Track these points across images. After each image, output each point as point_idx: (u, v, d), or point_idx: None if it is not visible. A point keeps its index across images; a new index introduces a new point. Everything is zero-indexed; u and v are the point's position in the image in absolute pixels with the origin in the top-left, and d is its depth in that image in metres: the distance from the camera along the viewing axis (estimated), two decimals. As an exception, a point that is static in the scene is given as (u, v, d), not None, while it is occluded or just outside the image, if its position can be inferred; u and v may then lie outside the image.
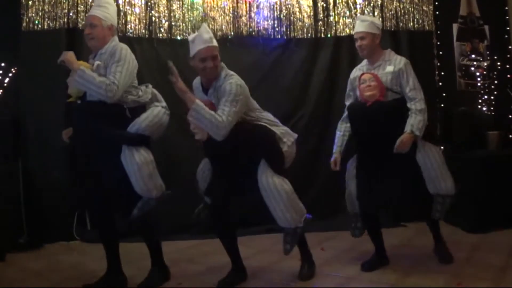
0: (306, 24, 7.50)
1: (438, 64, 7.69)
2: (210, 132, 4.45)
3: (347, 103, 5.47)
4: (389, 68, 5.27)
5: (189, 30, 7.20)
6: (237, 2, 7.36)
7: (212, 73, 4.70)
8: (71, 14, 6.77)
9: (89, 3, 6.77)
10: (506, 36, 7.97)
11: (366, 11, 7.54)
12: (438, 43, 7.75)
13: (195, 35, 4.76)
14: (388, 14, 7.56)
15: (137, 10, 7.07)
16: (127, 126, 4.64)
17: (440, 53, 7.72)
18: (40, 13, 6.72)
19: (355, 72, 5.48)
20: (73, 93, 4.61)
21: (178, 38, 7.21)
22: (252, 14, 7.34)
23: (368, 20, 5.37)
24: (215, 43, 4.74)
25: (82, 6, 6.78)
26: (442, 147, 5.70)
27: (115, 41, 4.84)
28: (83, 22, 6.59)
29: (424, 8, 7.65)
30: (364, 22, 5.34)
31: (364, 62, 5.47)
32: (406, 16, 7.59)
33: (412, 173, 5.08)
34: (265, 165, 4.60)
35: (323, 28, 7.56)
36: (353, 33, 5.56)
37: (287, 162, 4.83)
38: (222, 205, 4.85)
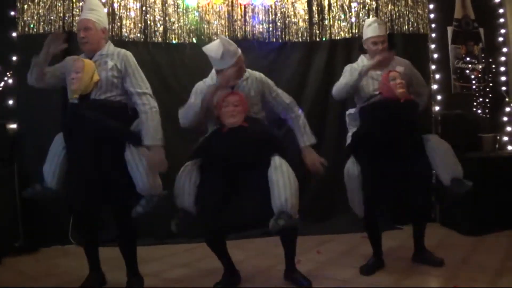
0: (301, 28, 7.51)
1: (433, 67, 7.71)
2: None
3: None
4: (401, 69, 5.34)
5: (184, 34, 7.21)
6: (232, 6, 7.37)
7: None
8: (66, 18, 6.78)
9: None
10: (501, 39, 7.99)
11: (361, 15, 7.57)
12: (433, 46, 7.77)
13: (223, 51, 4.77)
14: (383, 17, 7.56)
15: (132, 14, 7.08)
16: (129, 125, 4.70)
17: (435, 56, 7.74)
18: (36, 17, 6.73)
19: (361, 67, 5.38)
20: (80, 90, 4.59)
21: (174, 42, 7.22)
22: (247, 18, 7.35)
23: (383, 23, 5.43)
24: (239, 52, 4.85)
25: (77, 10, 6.78)
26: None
27: (111, 45, 4.92)
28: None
29: (419, 11, 7.67)
30: (382, 26, 5.40)
31: (365, 61, 5.45)
32: (401, 19, 7.60)
33: (424, 171, 5.13)
34: (279, 156, 4.66)
35: (318, 32, 7.58)
36: (363, 37, 5.50)
37: None
38: (216, 211, 4.77)
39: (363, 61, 5.46)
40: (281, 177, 4.46)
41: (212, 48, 4.87)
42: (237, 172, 4.61)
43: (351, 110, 5.53)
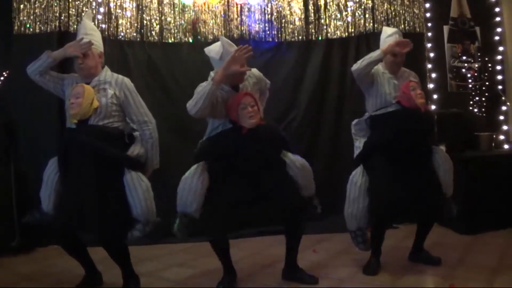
0: (297, 27, 7.52)
1: (429, 66, 7.71)
2: None
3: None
4: (415, 80, 5.41)
5: (180, 33, 7.21)
6: (228, 5, 7.37)
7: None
8: (62, 17, 6.76)
9: (81, 7, 6.78)
10: (497, 38, 7.99)
11: (357, 14, 7.57)
12: (429, 45, 7.77)
13: (222, 52, 4.80)
14: (379, 17, 7.58)
15: (128, 13, 7.07)
16: (125, 151, 4.72)
17: (431, 55, 7.74)
18: (32, 17, 6.72)
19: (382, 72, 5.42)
20: (79, 115, 4.59)
21: (170, 41, 7.22)
22: (243, 17, 7.35)
23: (402, 35, 5.43)
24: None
25: (73, 10, 6.77)
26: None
27: (109, 71, 4.94)
28: (75, 26, 6.60)
29: (415, 10, 7.67)
30: (401, 38, 5.37)
31: (379, 69, 5.42)
32: (397, 18, 7.60)
33: (430, 177, 5.16)
34: (288, 153, 4.87)
35: (314, 31, 7.59)
36: (382, 45, 5.42)
37: None
38: (233, 211, 4.72)
39: (379, 68, 5.41)
40: (304, 172, 4.85)
41: (213, 49, 4.90)
42: (258, 171, 4.67)
43: (357, 120, 5.52)
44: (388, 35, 5.41)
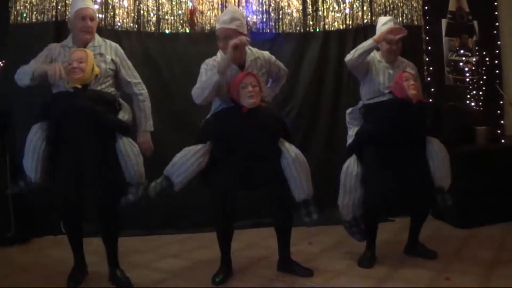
0: (295, 19, 7.48)
1: (427, 59, 7.70)
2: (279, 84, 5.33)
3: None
4: (412, 71, 5.39)
5: (177, 23, 7.18)
6: (226, -4, 7.34)
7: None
8: (59, 7, 6.73)
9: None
10: (495, 32, 7.98)
11: (355, 6, 7.55)
12: (427, 38, 7.75)
13: (230, 14, 4.90)
14: (377, 9, 7.56)
15: (125, 3, 7.04)
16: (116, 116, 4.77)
17: (429, 48, 7.72)
18: (28, 6, 6.69)
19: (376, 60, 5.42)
20: (82, 80, 4.56)
21: (167, 31, 7.19)
22: (241, 8, 7.31)
23: (398, 23, 5.42)
24: (233, 25, 4.83)
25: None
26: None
27: (97, 35, 4.98)
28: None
29: (413, 3, 7.65)
30: (397, 25, 5.33)
31: (376, 57, 5.41)
32: (395, 11, 7.58)
33: (422, 168, 5.15)
34: (285, 141, 4.84)
35: (311, 23, 7.55)
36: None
37: None
38: (232, 195, 4.85)
39: (375, 56, 5.40)
40: (299, 168, 4.76)
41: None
42: (254, 153, 4.68)
43: (351, 109, 5.52)
44: (383, 23, 5.40)
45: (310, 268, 5.05)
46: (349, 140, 5.40)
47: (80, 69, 4.54)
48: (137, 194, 4.73)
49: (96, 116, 4.54)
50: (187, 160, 4.66)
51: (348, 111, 5.54)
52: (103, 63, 4.76)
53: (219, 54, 4.91)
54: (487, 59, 7.83)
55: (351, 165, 5.22)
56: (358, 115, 5.41)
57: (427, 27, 7.76)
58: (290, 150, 4.76)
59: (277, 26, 7.46)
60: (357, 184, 5.16)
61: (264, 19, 7.39)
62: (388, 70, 5.30)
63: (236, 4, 7.33)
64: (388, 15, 7.50)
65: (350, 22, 7.58)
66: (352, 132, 5.41)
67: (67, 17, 4.85)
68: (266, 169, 4.72)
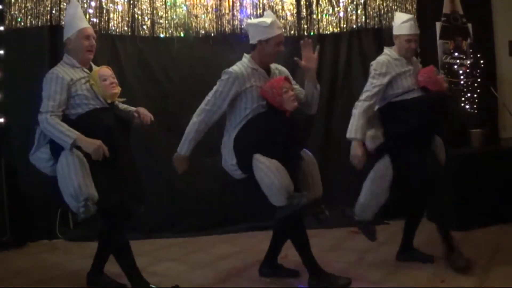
0: (289, 22, 7.50)
1: (421, 62, 7.70)
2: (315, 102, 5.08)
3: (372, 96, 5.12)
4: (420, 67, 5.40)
5: (172, 28, 7.19)
6: (220, 0, 7.35)
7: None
8: (53, 11, 6.74)
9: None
10: (489, 34, 7.99)
11: (349, 9, 7.56)
12: (421, 41, 7.75)
13: (273, 20, 4.82)
14: (371, 12, 7.58)
15: (119, 7, 7.05)
16: None
17: (423, 51, 7.72)
18: (23, 11, 6.69)
19: (396, 66, 5.24)
20: (116, 96, 4.71)
21: (161, 35, 7.20)
22: (235, 12, 7.33)
23: (416, 21, 5.40)
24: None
25: (64, 4, 6.71)
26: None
27: None
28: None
29: (407, 6, 7.65)
30: (416, 24, 5.33)
31: (393, 55, 5.31)
32: (390, 14, 7.58)
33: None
34: None
35: (306, 26, 7.57)
36: (396, 31, 5.35)
37: None
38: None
39: (390, 52, 5.32)
40: (316, 170, 4.90)
41: (262, 18, 4.97)
42: (291, 155, 4.72)
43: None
44: (403, 21, 5.30)
45: (295, 269, 5.11)
46: (374, 141, 5.23)
47: (116, 84, 4.66)
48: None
49: (129, 127, 4.73)
50: (274, 179, 4.42)
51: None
52: None
53: (247, 61, 4.81)
54: (481, 61, 7.83)
55: (385, 168, 5.12)
56: (378, 114, 5.30)
57: (421, 30, 7.75)
58: (307, 151, 4.86)
59: (271, 30, 7.45)
60: (388, 188, 5.10)
61: (259, 23, 7.39)
62: (408, 66, 5.26)
63: (230, 8, 7.34)
64: (382, 18, 7.55)
65: (345, 25, 7.60)
66: (376, 133, 5.24)
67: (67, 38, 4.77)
68: (299, 169, 4.77)
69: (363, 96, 5.08)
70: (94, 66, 4.81)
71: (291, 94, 4.63)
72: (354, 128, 4.98)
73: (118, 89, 4.66)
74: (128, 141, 4.68)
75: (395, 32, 5.34)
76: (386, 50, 5.36)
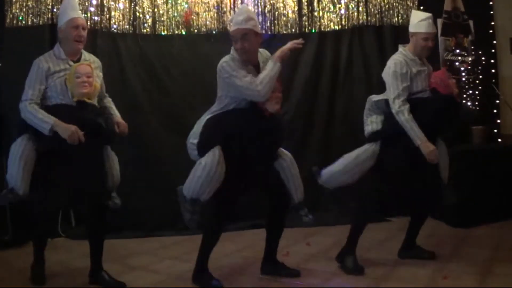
0: (291, 19, 7.49)
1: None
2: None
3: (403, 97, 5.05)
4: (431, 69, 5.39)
5: (173, 25, 7.18)
6: (222, -3, 7.34)
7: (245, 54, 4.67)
8: (55, 9, 6.70)
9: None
10: (491, 31, 7.97)
11: (350, 6, 7.55)
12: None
13: (232, 16, 4.87)
14: (372, 9, 7.56)
15: (121, 5, 7.03)
16: None
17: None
18: (24, 9, 6.67)
19: (412, 66, 5.20)
20: (88, 95, 4.65)
21: (163, 33, 7.18)
22: (237, 9, 7.31)
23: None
24: (249, 25, 4.64)
25: (65, 2, 6.72)
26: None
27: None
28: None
29: (409, 3, 7.64)
30: (433, 23, 5.31)
31: (408, 55, 5.26)
32: (391, 11, 7.58)
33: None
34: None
35: (307, 23, 7.56)
36: (412, 29, 5.32)
37: None
38: (235, 202, 4.86)
39: (405, 52, 5.27)
40: (295, 173, 4.84)
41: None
42: (264, 157, 4.69)
43: (377, 97, 5.34)
44: (421, 19, 5.26)
45: (296, 268, 5.10)
46: (372, 125, 5.24)
47: (89, 83, 4.62)
48: (118, 198, 4.86)
49: (100, 129, 4.65)
50: (213, 173, 4.42)
51: (374, 98, 5.32)
52: (99, 78, 4.89)
53: (234, 53, 4.72)
54: (483, 58, 7.82)
55: (372, 153, 5.08)
56: (383, 106, 5.28)
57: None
58: (286, 153, 4.82)
59: (272, 27, 7.45)
60: (361, 173, 5.08)
61: (260, 20, 7.36)
62: (423, 66, 5.26)
63: (232, 5, 7.33)
64: (383, 15, 7.54)
65: (346, 23, 7.58)
66: (376, 119, 5.26)
67: (58, 27, 4.81)
68: (270, 171, 4.75)
69: (399, 101, 5.00)
70: (83, 58, 4.83)
71: (277, 95, 4.60)
72: (415, 134, 4.92)
73: (89, 89, 4.61)
74: (93, 141, 4.57)
75: (412, 29, 5.31)
76: (401, 49, 5.32)
